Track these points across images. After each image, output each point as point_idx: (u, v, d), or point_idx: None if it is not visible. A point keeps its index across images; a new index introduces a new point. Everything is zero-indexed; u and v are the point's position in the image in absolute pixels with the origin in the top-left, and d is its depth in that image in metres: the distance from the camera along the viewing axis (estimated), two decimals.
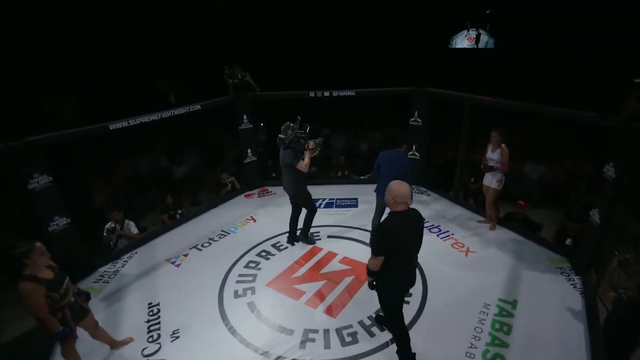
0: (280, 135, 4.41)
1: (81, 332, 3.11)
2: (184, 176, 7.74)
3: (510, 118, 5.19)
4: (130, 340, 3.58)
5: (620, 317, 3.17)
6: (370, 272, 2.90)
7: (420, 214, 2.89)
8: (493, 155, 4.82)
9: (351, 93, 6.10)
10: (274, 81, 6.87)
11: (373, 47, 9.93)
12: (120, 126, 4.72)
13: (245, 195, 6.66)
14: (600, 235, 3.93)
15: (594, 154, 5.62)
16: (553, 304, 3.78)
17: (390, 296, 2.99)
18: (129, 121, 4.82)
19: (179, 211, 6.44)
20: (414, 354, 3.14)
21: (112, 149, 7.00)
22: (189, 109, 5.51)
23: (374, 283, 2.97)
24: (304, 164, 4.42)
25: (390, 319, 3.25)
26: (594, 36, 7.55)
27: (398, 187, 2.75)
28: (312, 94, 6.17)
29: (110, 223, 5.22)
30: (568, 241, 4.85)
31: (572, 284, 4.06)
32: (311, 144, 4.53)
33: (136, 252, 5.12)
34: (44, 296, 2.61)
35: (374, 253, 2.79)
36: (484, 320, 3.61)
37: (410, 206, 2.81)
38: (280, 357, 3.31)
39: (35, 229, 4.05)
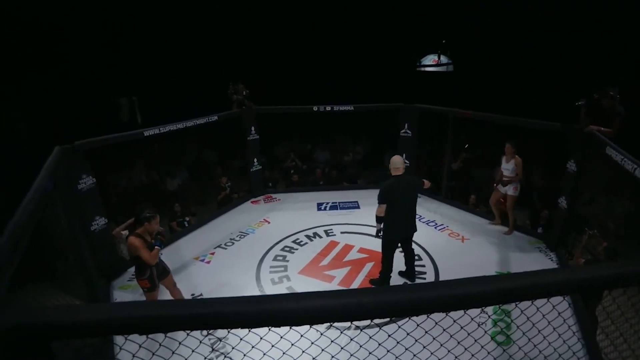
0: None
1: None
2: (185, 186, 7.98)
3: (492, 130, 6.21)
4: None
5: None
6: (378, 218, 4.01)
7: (415, 178, 4.28)
8: (508, 165, 5.23)
9: (350, 108, 6.88)
10: (271, 95, 7.42)
11: (364, 66, 10.66)
12: (154, 133, 5.07)
13: (251, 202, 7.07)
14: (568, 217, 4.95)
15: (552, 159, 6.73)
16: None
17: (389, 233, 4.08)
18: (160, 128, 5.18)
19: (187, 218, 6.70)
20: (390, 278, 4.35)
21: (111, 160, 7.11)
22: (209, 119, 5.95)
23: (380, 232, 4.09)
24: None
25: (385, 252, 4.25)
26: (594, 36, 7.80)
27: (394, 158, 4.02)
28: (315, 109, 6.86)
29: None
30: (539, 230, 5.87)
31: (549, 258, 5.03)
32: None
33: (161, 253, 5.32)
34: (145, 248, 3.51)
35: (379, 202, 3.95)
36: None
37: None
38: (331, 324, 3.81)
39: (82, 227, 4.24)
